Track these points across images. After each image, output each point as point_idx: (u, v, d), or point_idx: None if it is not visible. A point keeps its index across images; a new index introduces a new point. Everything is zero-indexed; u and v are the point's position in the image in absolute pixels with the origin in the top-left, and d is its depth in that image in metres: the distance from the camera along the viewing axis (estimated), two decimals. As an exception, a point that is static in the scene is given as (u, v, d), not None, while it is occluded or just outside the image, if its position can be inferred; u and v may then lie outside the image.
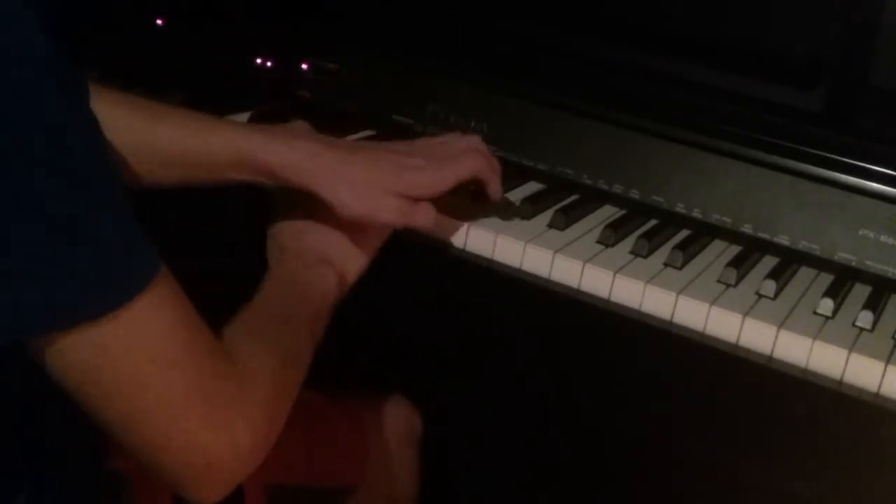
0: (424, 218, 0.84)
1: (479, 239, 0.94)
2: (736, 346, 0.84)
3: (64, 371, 0.60)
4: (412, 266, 1.02)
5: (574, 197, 1.03)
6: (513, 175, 1.05)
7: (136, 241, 0.60)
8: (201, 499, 0.66)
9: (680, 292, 0.86)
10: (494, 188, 0.92)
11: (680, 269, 0.91)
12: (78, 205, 0.56)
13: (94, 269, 0.57)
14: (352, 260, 0.87)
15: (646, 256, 0.92)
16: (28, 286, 0.55)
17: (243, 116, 1.13)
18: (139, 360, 0.60)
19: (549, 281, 0.91)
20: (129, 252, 0.59)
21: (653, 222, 0.99)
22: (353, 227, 0.86)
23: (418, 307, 1.19)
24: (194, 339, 0.63)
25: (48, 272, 0.55)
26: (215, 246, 1.14)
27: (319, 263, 0.84)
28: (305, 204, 0.86)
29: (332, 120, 1.02)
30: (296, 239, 0.87)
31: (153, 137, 0.83)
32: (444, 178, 0.86)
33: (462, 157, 0.88)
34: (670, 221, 0.99)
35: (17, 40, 0.53)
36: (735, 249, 0.97)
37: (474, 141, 0.92)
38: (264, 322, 0.75)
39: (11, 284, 0.55)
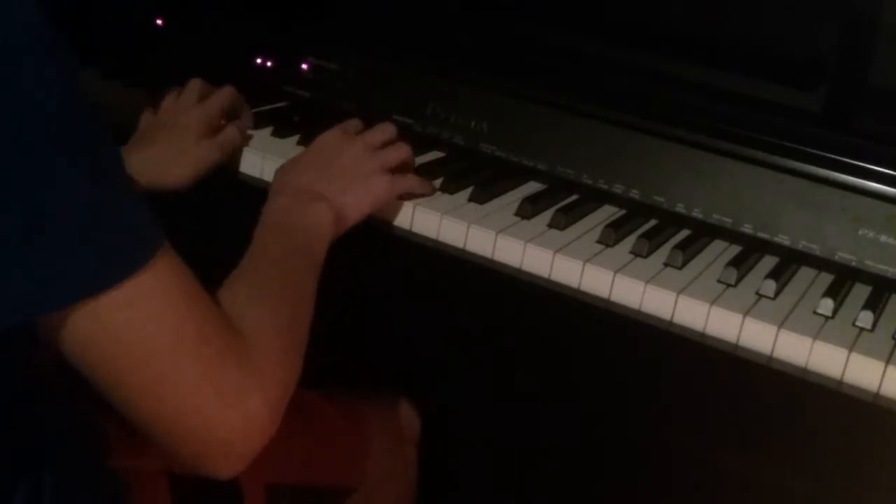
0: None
1: (479, 239, 0.94)
2: (736, 346, 0.84)
3: (73, 349, 0.60)
4: (412, 266, 1.02)
5: (574, 197, 1.03)
6: (513, 175, 1.05)
7: (137, 214, 0.60)
8: (220, 473, 0.66)
9: (680, 292, 0.86)
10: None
11: (680, 269, 0.91)
12: (78, 179, 0.56)
13: (94, 242, 0.57)
14: (350, 200, 0.89)
15: (646, 256, 0.92)
16: (30, 263, 0.55)
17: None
18: (144, 333, 0.60)
19: (549, 281, 0.91)
20: (130, 225, 0.59)
21: (653, 222, 0.99)
22: (353, 171, 0.91)
23: (418, 307, 1.19)
24: (199, 312, 0.63)
25: (48, 248, 0.55)
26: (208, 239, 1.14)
27: (313, 199, 0.86)
28: (306, 150, 0.93)
29: (332, 120, 1.02)
30: (291, 177, 0.89)
31: None
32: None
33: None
34: (670, 221, 0.99)
35: (13, 24, 0.54)
36: (735, 249, 0.96)
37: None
38: (262, 278, 0.75)
39: (14, 262, 0.55)
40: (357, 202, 0.90)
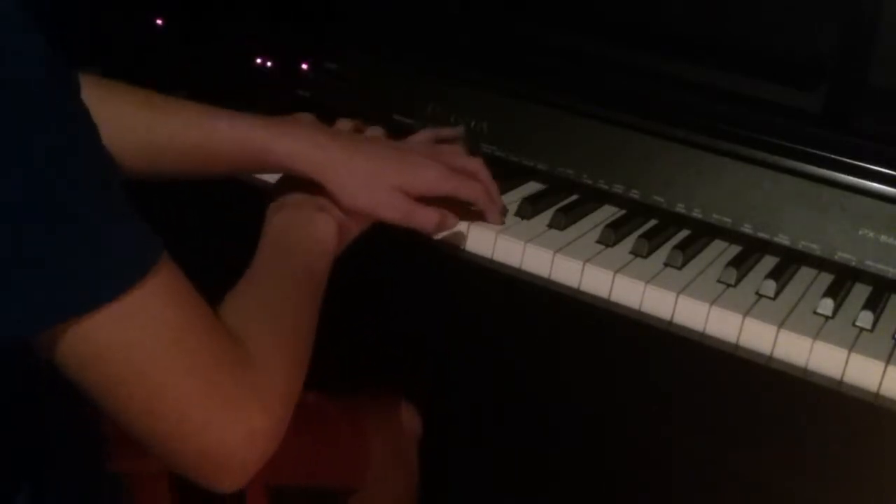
0: (425, 220, 0.86)
1: (479, 239, 0.94)
2: (736, 346, 0.84)
3: (72, 366, 0.59)
4: (412, 266, 1.02)
5: (574, 197, 1.03)
6: (513, 175, 1.05)
7: (132, 229, 0.60)
8: (223, 488, 0.65)
9: (680, 292, 0.86)
10: (493, 217, 0.94)
11: (680, 269, 0.91)
12: (74, 197, 0.56)
13: (90, 260, 0.57)
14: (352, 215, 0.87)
15: (646, 256, 0.92)
16: (25, 281, 0.55)
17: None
18: (143, 350, 0.60)
19: (549, 281, 0.91)
20: (126, 241, 0.59)
21: (653, 222, 0.99)
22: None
23: (418, 307, 1.19)
24: (200, 326, 0.63)
25: (44, 266, 0.55)
26: (215, 236, 1.14)
27: (316, 210, 0.85)
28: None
29: (332, 120, 1.02)
30: (293, 192, 0.87)
31: (159, 130, 0.84)
32: (446, 181, 0.88)
33: (466, 180, 0.90)
34: (670, 221, 0.99)
35: (10, 37, 0.53)
36: (735, 249, 0.97)
37: (477, 164, 0.93)
38: (264, 293, 0.75)
39: (10, 281, 0.55)
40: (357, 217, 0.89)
